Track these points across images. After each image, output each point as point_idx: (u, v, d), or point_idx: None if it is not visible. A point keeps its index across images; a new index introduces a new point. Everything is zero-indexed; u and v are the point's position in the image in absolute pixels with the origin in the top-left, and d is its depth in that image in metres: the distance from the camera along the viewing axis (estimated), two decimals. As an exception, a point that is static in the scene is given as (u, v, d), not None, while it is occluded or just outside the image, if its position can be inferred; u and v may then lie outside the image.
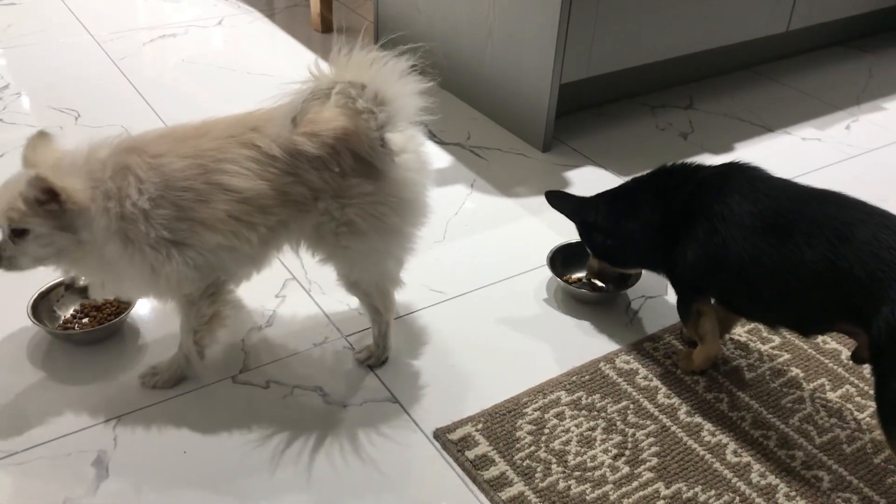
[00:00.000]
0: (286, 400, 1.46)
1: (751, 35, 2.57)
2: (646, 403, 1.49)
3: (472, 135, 2.36)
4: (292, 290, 1.73)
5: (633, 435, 1.42)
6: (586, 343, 1.63)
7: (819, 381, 1.55)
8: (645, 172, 1.58)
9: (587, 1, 2.11)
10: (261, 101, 1.30)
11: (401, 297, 1.59)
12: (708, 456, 1.39)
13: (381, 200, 1.32)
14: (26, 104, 2.40)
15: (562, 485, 1.32)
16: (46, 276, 1.50)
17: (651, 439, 1.41)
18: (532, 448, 1.38)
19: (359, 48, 1.24)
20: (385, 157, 1.30)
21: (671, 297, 1.56)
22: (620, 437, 1.41)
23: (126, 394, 1.45)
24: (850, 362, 1.56)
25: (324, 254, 1.40)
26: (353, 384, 1.50)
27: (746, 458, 1.39)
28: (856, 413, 1.49)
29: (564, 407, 1.47)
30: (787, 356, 1.60)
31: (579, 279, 1.77)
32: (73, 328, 1.58)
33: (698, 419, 1.46)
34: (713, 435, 1.43)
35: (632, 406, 1.48)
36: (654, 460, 1.38)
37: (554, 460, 1.36)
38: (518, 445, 1.38)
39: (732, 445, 1.41)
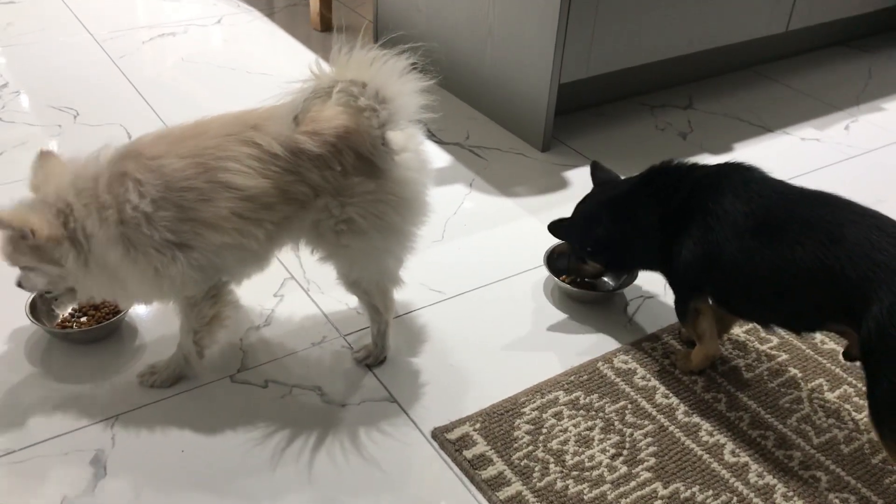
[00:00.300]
0: (284, 399, 1.46)
1: (750, 35, 2.57)
2: (644, 403, 1.49)
3: (472, 134, 2.36)
4: (291, 290, 1.73)
5: (631, 435, 1.42)
6: (584, 343, 1.63)
7: (817, 382, 1.55)
8: (636, 174, 1.58)
9: (587, 1, 2.10)
10: (260, 100, 1.30)
11: (399, 296, 1.59)
12: (706, 456, 1.39)
13: (382, 199, 1.32)
14: (25, 103, 2.40)
15: (559, 484, 1.32)
16: (45, 274, 1.50)
17: (649, 439, 1.41)
18: (530, 448, 1.38)
19: (359, 47, 1.24)
20: (386, 156, 1.30)
21: (669, 297, 1.56)
22: (618, 437, 1.41)
23: (124, 393, 1.45)
24: (846, 362, 1.57)
25: (324, 252, 1.40)
26: (351, 383, 1.50)
27: (744, 458, 1.39)
28: (853, 413, 1.49)
29: (562, 407, 1.47)
30: (785, 356, 1.61)
31: (573, 279, 1.77)
32: (72, 327, 1.58)
33: (696, 419, 1.46)
34: (711, 435, 1.43)
35: (630, 406, 1.48)
36: (652, 460, 1.38)
37: (552, 460, 1.36)
38: (516, 445, 1.38)
39: (730, 445, 1.41)
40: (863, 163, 2.34)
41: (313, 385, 1.49)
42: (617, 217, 1.54)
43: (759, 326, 1.62)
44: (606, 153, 2.28)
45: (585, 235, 1.60)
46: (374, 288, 1.45)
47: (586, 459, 1.37)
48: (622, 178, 1.64)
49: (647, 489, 1.33)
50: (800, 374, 1.57)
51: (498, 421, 1.43)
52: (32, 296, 1.56)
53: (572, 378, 1.53)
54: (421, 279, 1.76)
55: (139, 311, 1.64)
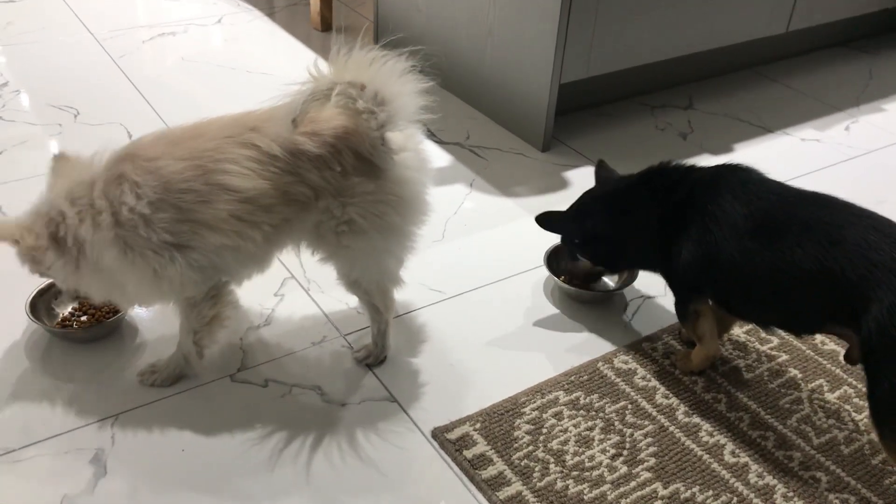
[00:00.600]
0: (284, 399, 1.46)
1: (751, 35, 2.57)
2: (644, 403, 1.49)
3: (472, 134, 2.36)
4: (291, 289, 1.73)
5: (632, 435, 1.42)
6: (584, 343, 1.63)
7: (817, 382, 1.55)
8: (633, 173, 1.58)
9: (587, 1, 2.10)
10: (261, 100, 1.29)
11: (399, 296, 1.59)
12: (706, 456, 1.39)
13: (382, 199, 1.32)
14: (25, 102, 2.40)
15: (559, 484, 1.32)
16: (45, 273, 1.50)
17: (649, 439, 1.41)
18: (530, 448, 1.38)
19: (358, 48, 1.24)
20: (386, 156, 1.30)
21: (669, 297, 1.56)
22: (618, 437, 1.41)
23: (124, 392, 1.45)
24: (848, 365, 1.57)
25: (324, 253, 1.40)
26: (351, 383, 1.50)
27: (744, 459, 1.39)
28: (854, 414, 1.49)
29: (562, 407, 1.47)
30: (785, 357, 1.61)
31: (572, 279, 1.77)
32: (72, 326, 1.58)
33: (696, 419, 1.46)
34: (711, 435, 1.43)
35: (630, 406, 1.48)
36: (652, 460, 1.38)
37: (552, 460, 1.36)
38: (516, 445, 1.38)
39: (730, 446, 1.41)
40: (863, 164, 2.34)
41: (313, 384, 1.49)
42: (609, 212, 1.55)
43: (758, 327, 1.62)
44: (606, 153, 2.28)
45: (575, 227, 1.60)
46: (374, 288, 1.45)
47: (586, 459, 1.37)
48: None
49: (648, 489, 1.33)
50: (800, 375, 1.57)
51: (498, 421, 1.43)
52: (32, 294, 1.56)
53: (572, 378, 1.53)
54: (421, 279, 1.76)
55: (139, 311, 1.64)
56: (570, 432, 1.42)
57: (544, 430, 1.42)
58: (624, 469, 1.36)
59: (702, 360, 1.54)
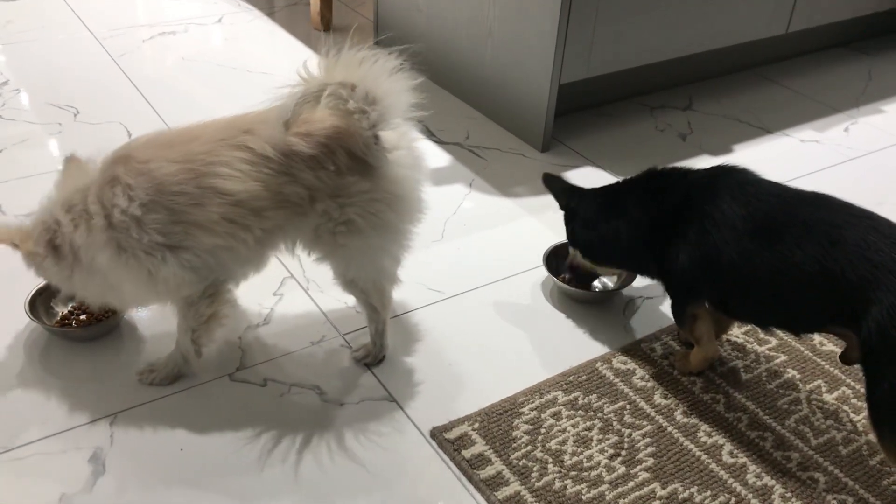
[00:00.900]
0: (283, 398, 1.46)
1: (751, 36, 2.57)
2: (642, 404, 1.49)
3: (471, 134, 2.37)
4: (290, 289, 1.73)
5: (630, 435, 1.42)
6: (583, 343, 1.63)
7: (816, 383, 1.55)
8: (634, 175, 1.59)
9: (587, 1, 2.11)
10: (260, 100, 1.29)
11: (398, 295, 1.59)
12: (704, 457, 1.39)
13: (377, 198, 1.32)
14: (25, 101, 2.40)
15: (558, 484, 1.32)
16: (44, 272, 1.50)
17: (647, 440, 1.42)
18: (528, 448, 1.38)
19: (347, 48, 1.24)
20: (379, 154, 1.30)
21: (668, 297, 1.56)
22: (617, 438, 1.42)
23: (123, 391, 1.45)
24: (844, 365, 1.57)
25: (321, 253, 1.40)
26: (350, 383, 1.50)
27: (742, 459, 1.39)
28: (852, 415, 1.49)
29: (561, 407, 1.47)
30: (783, 358, 1.61)
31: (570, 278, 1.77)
32: (71, 324, 1.58)
33: (695, 420, 1.46)
34: (709, 436, 1.43)
35: (628, 406, 1.48)
36: (651, 461, 1.38)
37: (550, 460, 1.36)
38: (514, 445, 1.38)
39: (728, 446, 1.41)
40: (862, 165, 2.34)
41: (312, 384, 1.49)
42: (606, 207, 1.56)
43: (757, 328, 1.62)
44: (606, 154, 2.29)
45: (573, 210, 1.61)
46: (370, 287, 1.45)
47: (585, 459, 1.37)
48: (606, 183, 1.65)
49: (646, 489, 1.33)
50: (798, 376, 1.57)
51: (496, 421, 1.43)
52: (32, 293, 1.56)
53: (571, 378, 1.53)
54: (420, 279, 1.76)
55: (138, 310, 1.64)
56: (569, 432, 1.42)
57: (543, 430, 1.42)
58: (622, 469, 1.36)
59: (700, 362, 1.54)
